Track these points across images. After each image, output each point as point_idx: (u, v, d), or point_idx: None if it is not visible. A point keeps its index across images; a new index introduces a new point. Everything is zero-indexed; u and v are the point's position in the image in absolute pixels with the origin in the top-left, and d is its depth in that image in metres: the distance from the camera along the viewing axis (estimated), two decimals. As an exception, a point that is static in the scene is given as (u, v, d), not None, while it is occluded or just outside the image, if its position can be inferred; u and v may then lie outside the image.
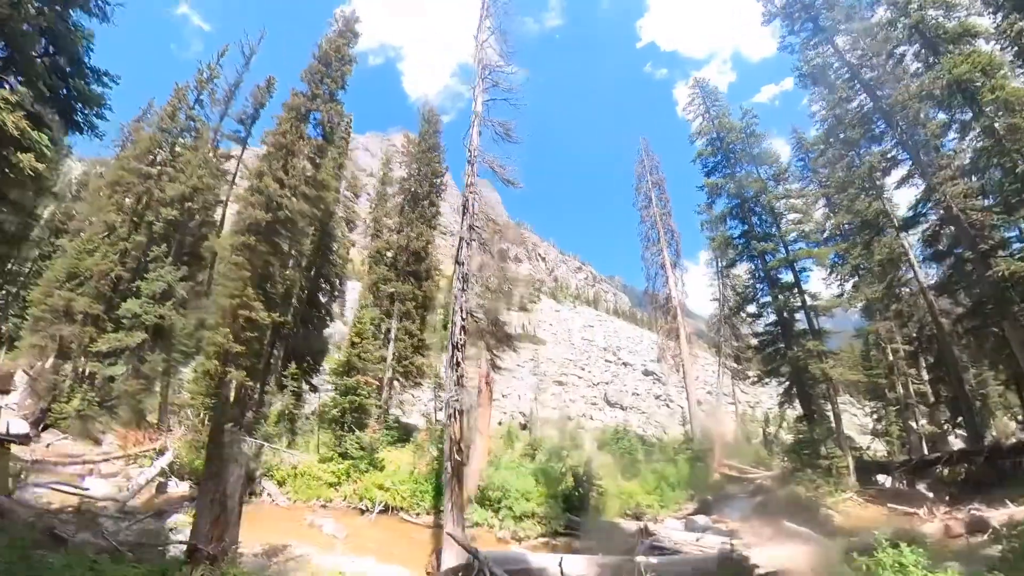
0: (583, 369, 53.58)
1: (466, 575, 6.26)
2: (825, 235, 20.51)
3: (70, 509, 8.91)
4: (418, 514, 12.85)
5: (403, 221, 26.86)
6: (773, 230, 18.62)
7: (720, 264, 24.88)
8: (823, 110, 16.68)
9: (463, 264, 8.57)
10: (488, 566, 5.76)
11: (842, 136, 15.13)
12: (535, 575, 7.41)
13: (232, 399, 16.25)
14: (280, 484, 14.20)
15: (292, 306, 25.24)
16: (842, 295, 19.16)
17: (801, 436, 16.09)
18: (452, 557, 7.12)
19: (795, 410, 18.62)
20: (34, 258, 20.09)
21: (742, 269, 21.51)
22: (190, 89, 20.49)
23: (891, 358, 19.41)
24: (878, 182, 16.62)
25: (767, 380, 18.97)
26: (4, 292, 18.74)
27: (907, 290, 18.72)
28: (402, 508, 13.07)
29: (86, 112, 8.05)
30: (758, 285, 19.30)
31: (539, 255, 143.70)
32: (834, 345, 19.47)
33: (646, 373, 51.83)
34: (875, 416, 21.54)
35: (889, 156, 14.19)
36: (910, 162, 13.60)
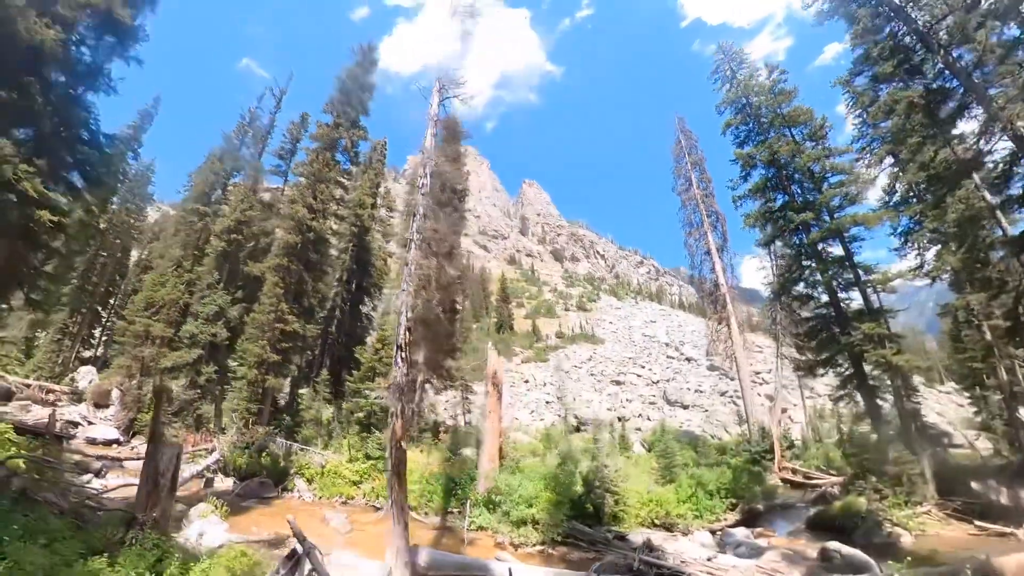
0: (643, 367, 51.05)
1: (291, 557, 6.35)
2: (896, 198, 17.63)
3: (109, 494, 10.55)
4: (426, 513, 13.10)
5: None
6: (814, 197, 16.46)
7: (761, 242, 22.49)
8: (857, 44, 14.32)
9: (409, 266, 8.69)
10: (311, 553, 5.74)
11: (876, 71, 12.87)
12: None
13: (271, 404, 17.96)
14: (309, 481, 15.33)
15: (336, 318, 27.37)
16: (921, 266, 16.28)
17: (861, 437, 13.87)
18: (392, 553, 7.19)
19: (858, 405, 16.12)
20: (127, 292, 24.09)
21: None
22: (236, 134, 23.20)
23: (988, 337, 16.09)
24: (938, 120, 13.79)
25: (822, 371, 16.62)
26: (104, 323, 22.81)
27: (998, 253, 15.47)
28: (412, 508, 13.42)
29: (93, 171, 9.36)
30: (804, 262, 17.13)
31: (597, 252, 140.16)
32: (907, 324, 16.64)
33: (712, 368, 47.99)
34: (975, 408, 18.00)
35: (935, 87, 11.78)
36: (961, 90, 11.16)
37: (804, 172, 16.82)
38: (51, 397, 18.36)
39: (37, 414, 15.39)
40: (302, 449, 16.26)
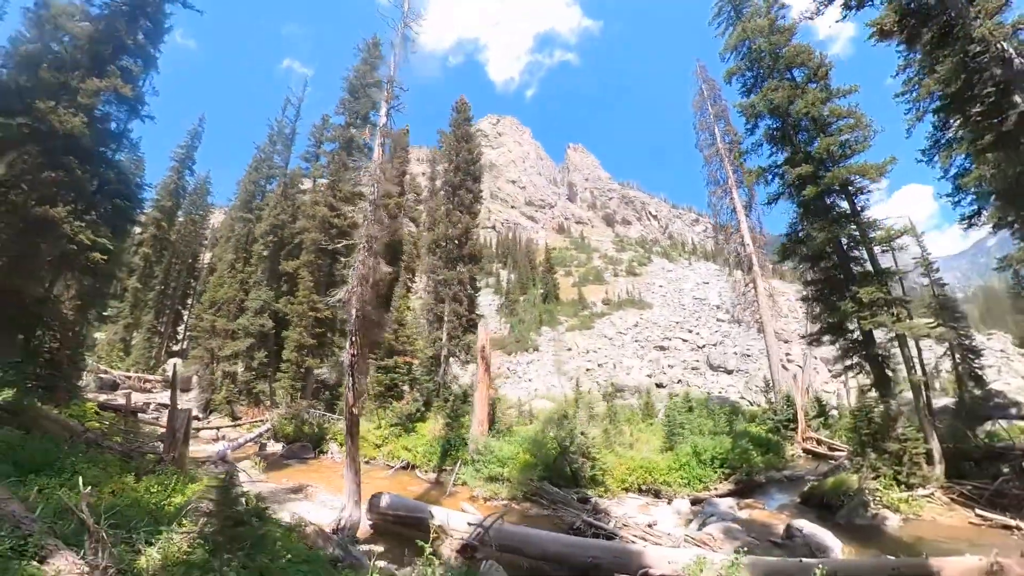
0: (690, 332, 49.61)
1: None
2: (938, 141, 15.58)
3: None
4: (427, 471, 14.98)
5: (444, 212, 28.96)
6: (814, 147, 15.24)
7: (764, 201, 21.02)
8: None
9: (355, 266, 9.89)
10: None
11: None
12: (431, 521, 8.70)
13: (313, 381, 20.85)
14: (340, 445, 17.92)
15: (401, 300, 30.00)
16: (977, 213, 14.47)
17: (864, 411, 12.88)
18: (346, 494, 9.02)
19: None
20: (200, 292, 28.55)
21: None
22: (267, 144, 25.82)
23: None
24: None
25: (829, 339, 15.67)
26: (185, 321, 27.44)
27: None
28: (417, 466, 15.42)
29: (127, 215, 11.73)
30: (808, 220, 16.05)
31: (649, 213, 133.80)
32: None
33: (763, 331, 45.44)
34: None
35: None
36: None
37: (809, 119, 15.55)
38: (147, 385, 22.83)
39: (135, 399, 19.40)
40: (336, 418, 18.91)
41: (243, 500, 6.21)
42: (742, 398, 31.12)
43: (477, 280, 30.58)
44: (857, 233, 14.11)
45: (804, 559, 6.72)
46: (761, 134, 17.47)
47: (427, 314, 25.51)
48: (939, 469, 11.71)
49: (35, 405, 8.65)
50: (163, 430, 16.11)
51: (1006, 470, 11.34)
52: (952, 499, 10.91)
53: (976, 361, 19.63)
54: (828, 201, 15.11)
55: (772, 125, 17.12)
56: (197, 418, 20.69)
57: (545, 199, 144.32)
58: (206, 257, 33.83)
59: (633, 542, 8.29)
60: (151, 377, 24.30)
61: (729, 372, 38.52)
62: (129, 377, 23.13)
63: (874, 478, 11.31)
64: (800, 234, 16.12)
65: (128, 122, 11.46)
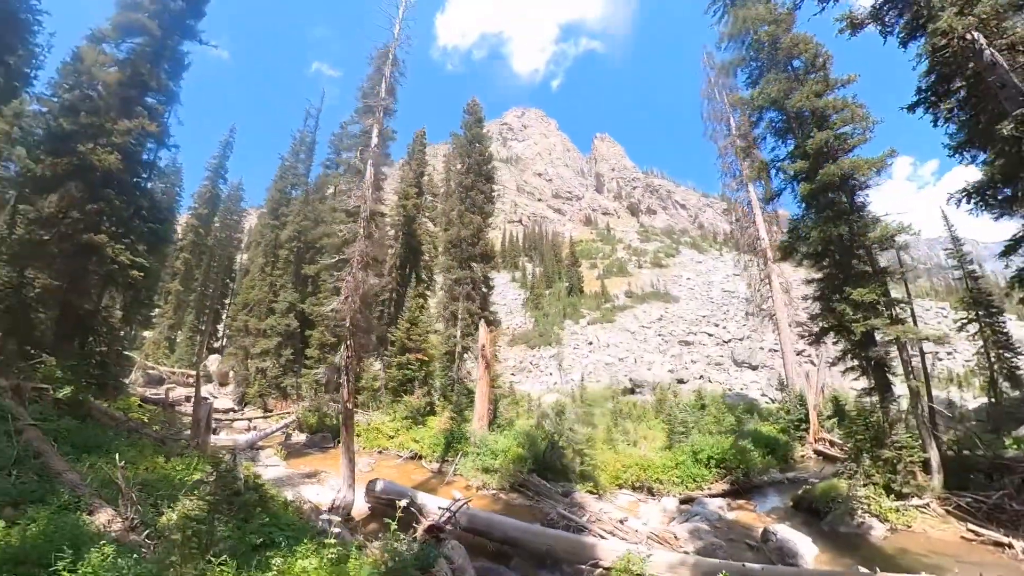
0: (716, 326, 48.57)
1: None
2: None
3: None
4: (431, 461, 16.02)
5: (457, 214, 29.82)
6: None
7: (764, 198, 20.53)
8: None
9: (349, 280, 10.86)
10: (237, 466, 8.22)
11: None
12: (415, 504, 9.66)
13: (331, 378, 22.43)
14: (358, 436, 19.31)
15: (393, 300, 31.47)
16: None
17: (861, 415, 12.60)
18: (342, 479, 10.07)
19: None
20: (236, 293, 31.00)
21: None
22: (291, 154, 27.55)
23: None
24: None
25: (832, 340, 15.33)
26: (223, 320, 29.94)
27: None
28: (423, 456, 16.50)
29: (158, 236, 13.34)
30: (807, 218, 15.80)
31: (676, 203, 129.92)
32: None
33: (797, 324, 43.88)
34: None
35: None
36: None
37: (809, 112, 15.26)
38: (189, 380, 25.15)
39: (178, 393, 21.61)
40: (352, 411, 20.36)
41: (241, 477, 7.43)
42: (763, 395, 30.50)
43: (491, 279, 31.40)
44: (853, 231, 13.76)
45: (747, 564, 6.96)
46: (764, 127, 17.27)
47: (443, 311, 26.61)
48: (937, 479, 11.26)
49: (89, 400, 10.19)
50: (215, 424, 18.18)
51: (1015, 483, 10.60)
52: (948, 511, 10.44)
53: (1014, 360, 18.61)
54: (830, 196, 14.82)
55: (775, 118, 16.88)
56: (233, 410, 22.76)
57: (572, 191, 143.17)
58: (242, 259, 36.56)
59: (602, 536, 8.87)
60: (193, 372, 26.74)
61: (754, 368, 37.64)
62: (173, 373, 25.64)
63: (866, 485, 11.05)
64: (800, 231, 15.89)
65: (157, 152, 13.10)
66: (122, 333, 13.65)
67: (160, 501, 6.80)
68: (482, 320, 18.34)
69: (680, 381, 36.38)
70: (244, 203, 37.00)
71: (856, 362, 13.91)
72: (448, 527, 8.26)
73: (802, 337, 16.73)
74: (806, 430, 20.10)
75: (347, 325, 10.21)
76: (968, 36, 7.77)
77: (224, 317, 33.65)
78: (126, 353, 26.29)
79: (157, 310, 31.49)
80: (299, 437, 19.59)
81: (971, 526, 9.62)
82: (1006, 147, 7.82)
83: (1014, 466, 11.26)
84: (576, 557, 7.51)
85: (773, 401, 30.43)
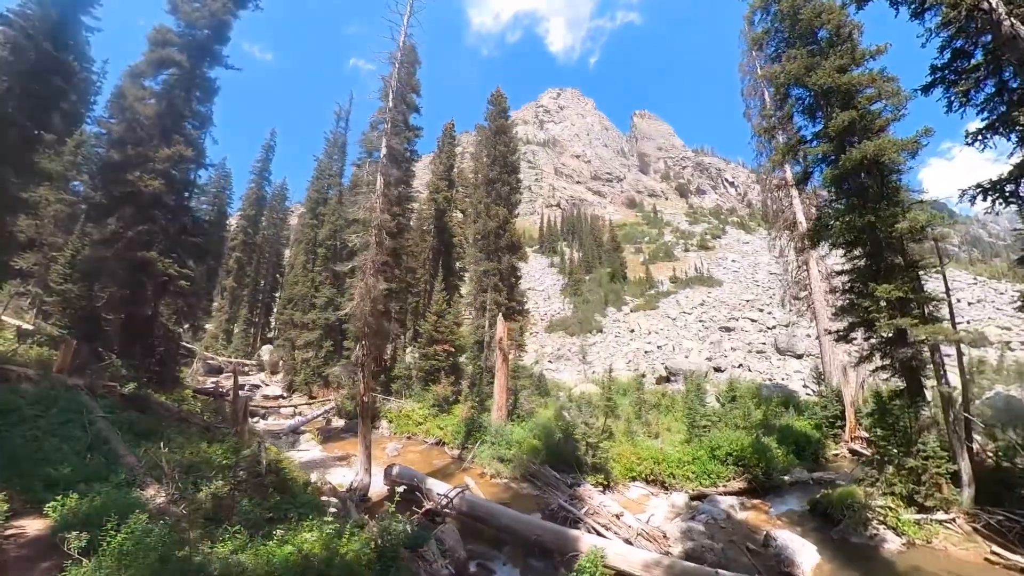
0: (760, 311, 46.24)
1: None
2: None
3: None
4: (453, 448, 16.96)
5: (484, 206, 30.24)
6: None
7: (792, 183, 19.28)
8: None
9: (360, 285, 11.66)
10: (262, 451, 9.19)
11: None
12: (423, 488, 10.51)
13: (347, 374, 24.09)
14: (390, 422, 20.69)
15: (427, 292, 32.73)
16: None
17: (889, 418, 11.65)
18: (359, 464, 11.07)
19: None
20: (281, 287, 33.56)
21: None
22: (326, 155, 29.12)
23: None
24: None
25: (860, 337, 14.38)
26: (275, 312, 32.75)
27: None
28: (446, 443, 17.50)
29: (201, 247, 14.97)
30: (835, 204, 14.83)
31: (726, 181, 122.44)
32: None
33: (815, 317, 40.89)
34: None
35: None
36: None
37: (834, 89, 14.19)
38: (245, 369, 27.87)
39: (230, 383, 24.15)
40: (385, 398, 21.79)
41: (263, 462, 8.56)
42: (805, 387, 28.98)
43: (518, 269, 31.74)
44: (881, 220, 12.73)
45: (720, 571, 6.97)
46: (789, 106, 16.24)
47: (474, 302, 27.44)
48: (967, 493, 10.28)
49: (147, 394, 11.85)
50: (264, 410, 20.29)
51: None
52: (975, 529, 9.46)
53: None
54: (862, 181, 13.82)
55: (802, 95, 15.82)
56: (282, 396, 25.03)
57: (612, 172, 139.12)
58: (289, 254, 39.55)
59: (596, 529, 9.25)
60: (248, 362, 29.62)
61: (798, 357, 35.68)
62: (230, 362, 28.48)
63: (886, 494, 10.41)
64: (828, 219, 14.96)
65: (196, 171, 14.73)
66: (180, 331, 15.52)
67: (199, 480, 8.07)
68: (499, 314, 18.85)
69: (717, 370, 35.29)
70: (289, 201, 39.83)
71: (888, 361, 13.09)
72: (446, 512, 8.99)
73: (829, 333, 15.89)
74: (842, 427, 19.09)
75: (361, 327, 11.08)
76: (985, 4, 7.03)
77: (275, 309, 36.73)
78: (188, 345, 29.63)
79: (215, 304, 35.09)
80: (338, 423, 21.30)
81: (995, 548, 8.72)
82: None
83: None
84: (561, 548, 7.98)
85: (812, 393, 28.89)
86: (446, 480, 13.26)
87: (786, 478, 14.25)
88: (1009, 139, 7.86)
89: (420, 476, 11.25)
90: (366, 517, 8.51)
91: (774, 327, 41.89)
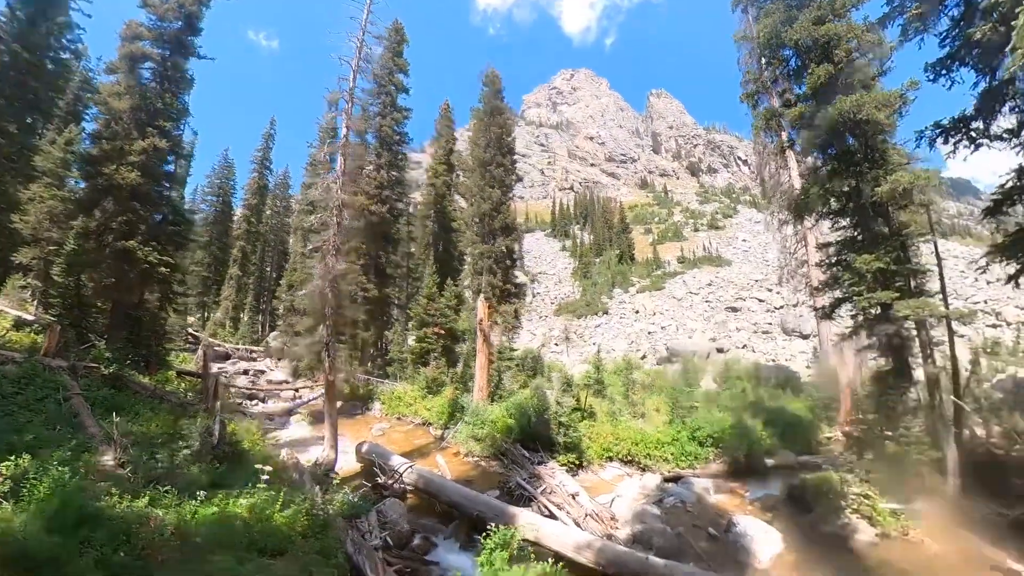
0: (768, 291, 45.02)
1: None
2: None
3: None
4: (436, 428, 17.20)
5: (478, 189, 29.94)
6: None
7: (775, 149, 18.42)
8: None
9: (321, 266, 11.78)
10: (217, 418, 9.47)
11: None
12: (395, 466, 10.73)
13: (375, 349, 24.58)
14: (382, 403, 21.12)
15: (424, 276, 32.87)
16: None
17: (873, 401, 11.21)
18: (326, 442, 11.38)
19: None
20: (276, 275, 34.28)
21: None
22: (318, 141, 29.29)
23: None
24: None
25: (846, 313, 13.80)
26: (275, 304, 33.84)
27: None
28: (431, 423, 17.78)
29: (183, 236, 15.32)
30: (822, 170, 14.15)
31: (738, 159, 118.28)
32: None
33: (812, 294, 39.47)
34: None
35: None
36: None
37: (813, 44, 13.35)
38: (252, 355, 28.73)
39: (240, 366, 24.94)
40: (378, 380, 22.26)
41: (215, 435, 8.88)
42: (807, 367, 28.30)
43: (514, 252, 31.48)
44: (862, 185, 12.03)
45: (650, 557, 6.87)
46: (774, 68, 15.52)
47: (472, 284, 27.50)
48: (952, 482, 9.58)
49: (125, 373, 12.39)
50: (237, 389, 21.02)
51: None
52: (960, 522, 8.77)
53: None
54: (848, 144, 13.09)
55: (788, 56, 15.06)
56: (286, 381, 25.79)
57: (627, 153, 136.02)
58: (292, 241, 40.57)
59: (548, 508, 9.32)
60: (255, 348, 30.54)
61: (805, 337, 34.71)
62: (238, 349, 29.42)
63: (864, 481, 9.83)
64: (813, 186, 14.29)
65: (174, 164, 15.07)
66: (165, 316, 16.10)
67: (157, 450, 8.49)
68: (480, 296, 18.92)
69: (720, 350, 34.73)
70: (293, 189, 40.54)
71: (873, 340, 12.48)
72: (397, 486, 9.19)
73: (814, 310, 15.34)
74: (836, 409, 18.55)
75: (321, 308, 11.26)
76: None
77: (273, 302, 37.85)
78: (195, 333, 30.74)
79: (224, 293, 36.33)
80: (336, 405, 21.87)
81: (977, 542, 8.08)
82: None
83: None
84: (501, 524, 8.05)
85: (808, 373, 28.21)
86: (421, 459, 13.59)
87: (770, 461, 13.83)
88: (967, 66, 7.12)
89: (387, 454, 11.49)
90: (318, 489, 8.76)
91: (781, 307, 40.76)
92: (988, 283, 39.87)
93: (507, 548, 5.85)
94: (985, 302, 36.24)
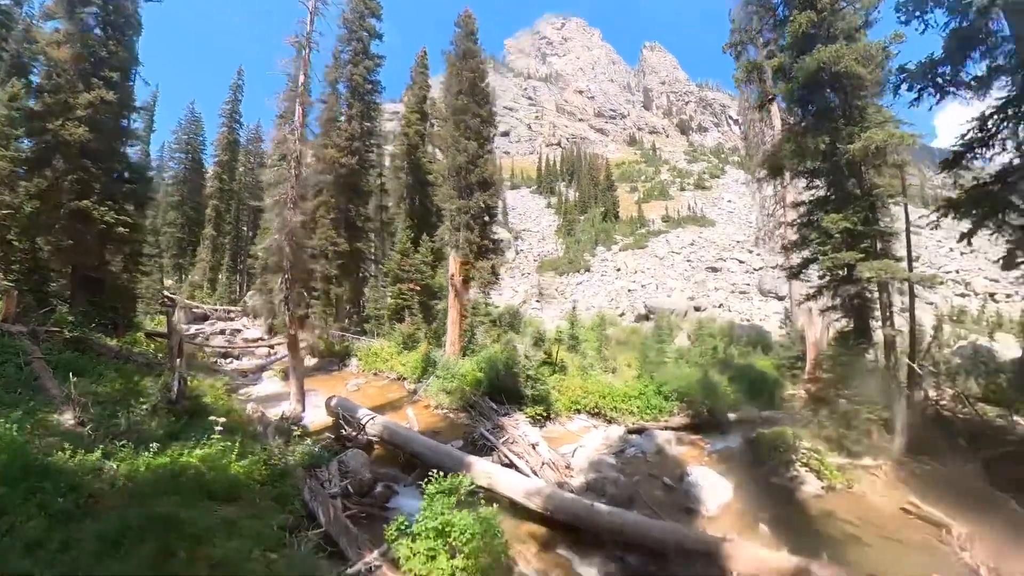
0: (750, 252, 45.56)
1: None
2: None
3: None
4: (411, 383, 17.43)
5: (452, 140, 28.75)
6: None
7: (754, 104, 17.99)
8: None
9: (290, 196, 11.36)
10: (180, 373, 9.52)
11: None
12: (359, 418, 10.90)
13: (351, 304, 24.43)
14: (360, 359, 21.26)
15: (398, 231, 32.02)
16: None
17: (831, 360, 11.46)
18: (292, 395, 11.50)
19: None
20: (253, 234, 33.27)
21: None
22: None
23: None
24: None
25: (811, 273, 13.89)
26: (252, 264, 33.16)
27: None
28: (406, 378, 18.00)
29: (141, 192, 14.62)
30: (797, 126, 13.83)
31: (729, 118, 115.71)
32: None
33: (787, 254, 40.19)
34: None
35: None
36: None
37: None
38: (231, 315, 28.30)
39: (218, 326, 24.68)
40: (354, 337, 22.32)
41: (174, 391, 8.87)
42: (781, 327, 29.17)
43: (492, 207, 30.62)
44: (836, 142, 11.77)
45: (595, 504, 7.14)
46: (759, 17, 14.79)
47: (449, 240, 27.04)
48: (899, 441, 10.04)
49: (88, 336, 12.15)
50: (212, 348, 20.90)
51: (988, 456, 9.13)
52: (900, 478, 9.23)
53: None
54: (828, 99, 12.68)
55: (775, 5, 14.34)
56: (261, 339, 25.66)
57: (617, 108, 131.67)
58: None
59: (507, 458, 9.62)
60: (233, 308, 30.07)
61: (780, 298, 35.51)
62: (216, 310, 28.91)
63: (817, 437, 10.28)
64: (790, 144, 14.01)
65: (127, 118, 14.05)
66: (128, 281, 15.62)
67: (120, 408, 8.48)
68: (452, 250, 18.68)
69: (697, 309, 35.49)
70: (267, 145, 38.44)
71: (837, 300, 12.65)
72: (360, 437, 9.39)
73: (783, 269, 15.52)
74: (802, 368, 19.26)
75: (278, 261, 10.98)
76: None
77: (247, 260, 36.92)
78: (170, 295, 30.02)
79: (200, 253, 35.22)
80: (310, 361, 21.91)
81: (912, 499, 8.42)
82: None
83: (999, 436, 9.98)
84: (457, 472, 8.31)
85: (789, 334, 29.10)
86: (393, 412, 13.83)
87: (733, 416, 14.06)
88: (942, 7, 6.71)
89: (354, 407, 11.63)
90: (280, 441, 8.88)
91: (760, 268, 41.46)
92: (962, 254, 40.90)
93: (454, 494, 6.04)
94: (957, 272, 37.35)
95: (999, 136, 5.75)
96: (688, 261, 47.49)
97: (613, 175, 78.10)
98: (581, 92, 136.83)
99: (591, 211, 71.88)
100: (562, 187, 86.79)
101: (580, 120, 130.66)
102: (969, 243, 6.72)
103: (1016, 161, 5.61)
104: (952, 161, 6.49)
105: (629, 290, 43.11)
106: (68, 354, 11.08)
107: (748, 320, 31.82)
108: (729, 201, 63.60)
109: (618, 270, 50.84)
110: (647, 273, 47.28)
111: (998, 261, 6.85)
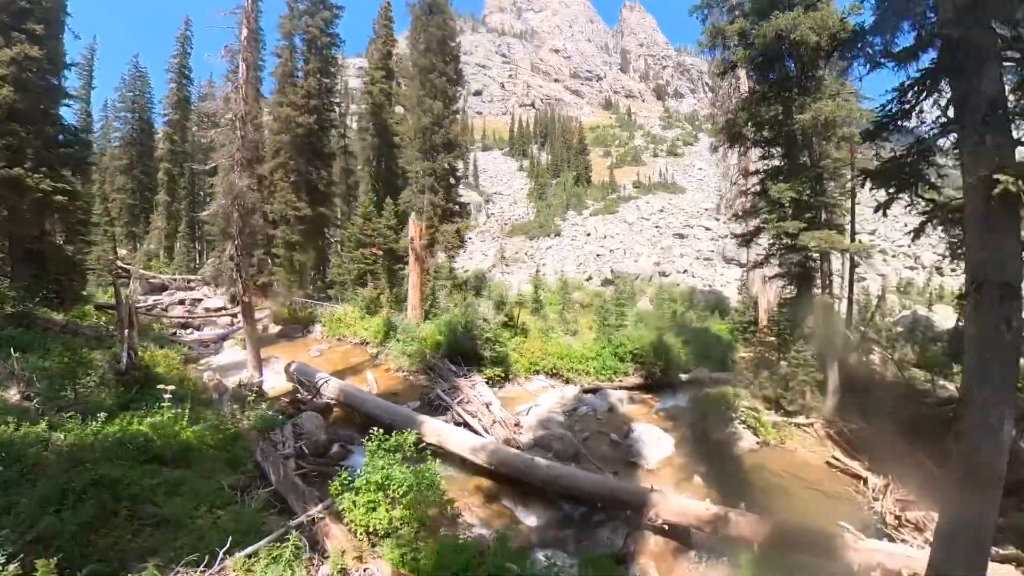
0: (716, 220, 46.70)
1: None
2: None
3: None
4: (374, 347, 17.52)
5: (417, 100, 27.68)
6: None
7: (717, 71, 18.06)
8: None
9: (236, 158, 10.96)
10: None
11: None
12: (315, 382, 11.06)
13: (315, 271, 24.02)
14: (324, 326, 21.17)
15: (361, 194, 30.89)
16: None
17: (774, 324, 12.14)
18: (248, 361, 11.56)
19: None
20: (210, 198, 31.80)
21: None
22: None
23: None
24: None
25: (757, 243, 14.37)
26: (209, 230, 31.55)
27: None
28: (368, 342, 18.11)
29: (79, 156, 13.69)
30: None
31: (705, 85, 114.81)
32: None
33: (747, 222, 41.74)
34: None
35: None
36: None
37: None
38: (191, 285, 27.27)
39: (178, 296, 23.90)
40: (317, 303, 22.15)
41: (124, 361, 8.77)
42: (739, 293, 30.56)
43: (457, 170, 29.90)
44: (787, 113, 12.01)
45: (536, 459, 7.68)
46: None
47: (414, 203, 26.50)
48: (831, 401, 10.81)
49: (33, 310, 11.69)
50: (170, 319, 20.40)
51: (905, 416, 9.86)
52: (829, 435, 10.06)
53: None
54: (786, 69, 12.80)
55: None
56: (224, 308, 25.05)
57: (593, 70, 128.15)
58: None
59: (462, 417, 10.05)
60: (193, 277, 28.96)
61: (742, 265, 36.93)
62: (175, 279, 27.79)
63: (756, 397, 11.06)
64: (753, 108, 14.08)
65: (58, 75, 12.82)
66: (72, 252, 14.80)
67: (67, 381, 8.32)
68: (412, 213, 18.52)
69: (663, 274, 36.59)
70: (213, 104, 35.71)
71: (783, 268, 13.25)
72: (316, 401, 9.63)
73: (734, 237, 16.11)
74: (754, 332, 20.36)
75: (225, 227, 10.70)
76: None
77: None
78: (124, 265, 28.57)
79: (155, 220, 33.19)
80: (274, 328, 21.68)
81: (835, 454, 9.24)
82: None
83: (922, 399, 10.85)
84: (410, 430, 8.68)
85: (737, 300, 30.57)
86: (354, 376, 14.03)
87: (684, 377, 14.84)
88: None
89: (312, 372, 11.77)
90: (236, 407, 9.00)
91: (725, 236, 42.67)
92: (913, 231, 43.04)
93: (400, 451, 6.38)
94: (908, 246, 39.44)
95: (917, 108, 6.08)
96: (656, 227, 48.37)
97: (587, 139, 77.18)
98: (557, 51, 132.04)
99: (563, 175, 71.32)
100: (535, 150, 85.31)
101: (555, 80, 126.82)
102: (885, 215, 7.18)
103: (932, 133, 5.98)
104: (872, 132, 6.79)
105: (597, 255, 43.81)
106: (11, 330, 10.72)
107: (710, 286, 33.10)
108: (700, 169, 64.34)
109: (588, 235, 51.32)
110: (616, 238, 47.97)
111: (909, 233, 7.38)
